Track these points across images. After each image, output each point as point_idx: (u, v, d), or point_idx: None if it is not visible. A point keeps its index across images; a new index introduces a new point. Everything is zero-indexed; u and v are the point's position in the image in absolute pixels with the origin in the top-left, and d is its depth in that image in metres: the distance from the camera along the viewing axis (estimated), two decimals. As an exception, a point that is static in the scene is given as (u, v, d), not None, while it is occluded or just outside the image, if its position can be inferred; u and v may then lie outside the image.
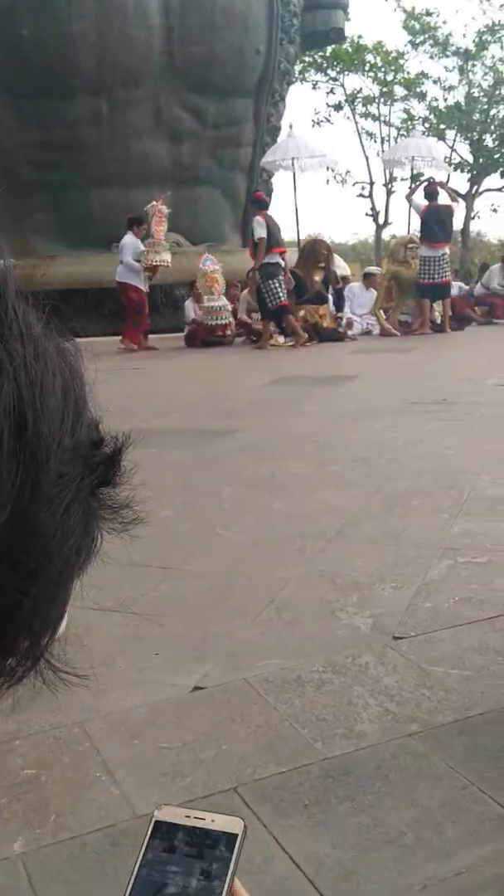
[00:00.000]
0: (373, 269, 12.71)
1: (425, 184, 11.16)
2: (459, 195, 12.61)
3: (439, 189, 10.83)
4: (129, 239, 10.23)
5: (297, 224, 12.71)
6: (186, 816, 0.64)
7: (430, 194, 10.64)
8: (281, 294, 9.41)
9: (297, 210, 12.70)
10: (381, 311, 10.74)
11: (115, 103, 14.25)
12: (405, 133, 25.52)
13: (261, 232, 9.28)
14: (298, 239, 12.32)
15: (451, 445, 3.70)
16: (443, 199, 10.78)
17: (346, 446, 3.81)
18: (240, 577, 2.23)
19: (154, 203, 10.21)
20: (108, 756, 1.42)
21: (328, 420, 4.58)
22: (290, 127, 13.74)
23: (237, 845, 0.62)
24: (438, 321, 10.70)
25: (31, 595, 0.35)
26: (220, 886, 0.60)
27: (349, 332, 10.40)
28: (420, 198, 10.79)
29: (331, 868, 1.14)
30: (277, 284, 9.39)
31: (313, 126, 29.21)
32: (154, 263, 9.99)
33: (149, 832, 0.64)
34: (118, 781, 1.35)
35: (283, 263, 9.55)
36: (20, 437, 0.32)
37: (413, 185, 11.41)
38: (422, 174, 24.10)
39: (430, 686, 1.62)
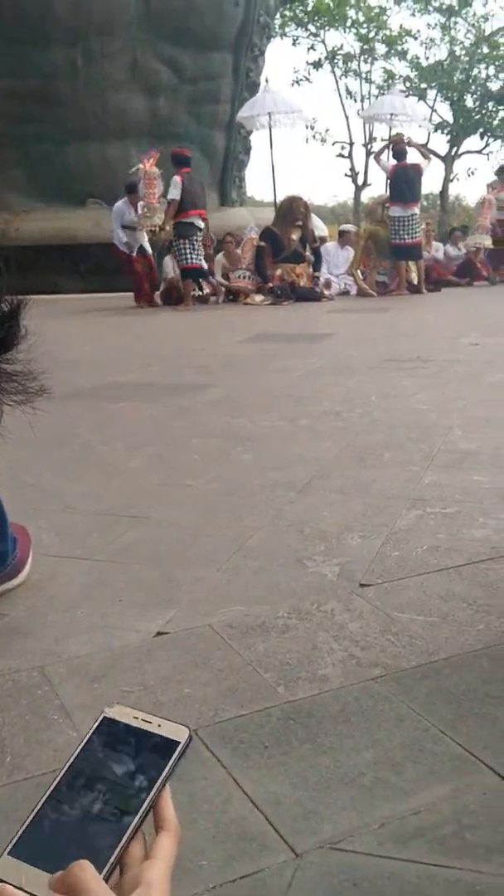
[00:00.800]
0: (347, 226, 12.60)
1: (393, 143, 11.01)
2: (432, 153, 12.32)
3: (408, 147, 10.69)
4: (118, 205, 10.07)
5: (274, 181, 12.55)
6: (135, 717, 0.64)
7: (399, 153, 10.51)
8: (190, 256, 9.25)
9: (273, 167, 12.53)
10: (358, 272, 10.68)
11: (90, 54, 13.91)
12: (386, 91, 25.15)
13: (174, 193, 9.05)
14: (275, 198, 12.17)
15: (424, 401, 3.69)
16: (413, 158, 10.65)
17: (320, 401, 3.78)
18: (207, 526, 2.21)
19: (140, 166, 9.91)
20: (67, 699, 1.40)
21: (302, 376, 4.54)
22: (266, 81, 13.49)
23: (177, 752, 0.62)
24: (414, 282, 10.66)
25: None
26: (150, 787, 0.60)
27: (326, 292, 10.33)
28: (388, 157, 10.65)
29: (289, 808, 1.13)
30: (188, 245, 9.18)
31: (293, 85, 28.74)
32: (148, 228, 9.78)
33: (95, 725, 0.63)
34: (76, 724, 1.33)
35: (200, 225, 9.30)
36: None
37: (382, 146, 11.18)
38: (401, 134, 23.90)
39: (395, 632, 1.61)
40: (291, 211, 10.11)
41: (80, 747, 0.62)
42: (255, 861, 1.04)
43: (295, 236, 10.10)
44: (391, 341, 5.99)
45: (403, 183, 10.25)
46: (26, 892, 0.54)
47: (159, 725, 0.63)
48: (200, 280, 10.24)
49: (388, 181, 10.47)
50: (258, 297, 9.89)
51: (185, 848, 1.07)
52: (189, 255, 9.32)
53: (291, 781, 1.19)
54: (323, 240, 11.81)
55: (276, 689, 1.42)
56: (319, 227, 12.47)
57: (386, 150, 10.84)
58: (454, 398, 3.74)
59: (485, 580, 1.83)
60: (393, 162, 10.43)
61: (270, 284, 10.00)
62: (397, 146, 10.69)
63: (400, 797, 1.14)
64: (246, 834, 1.09)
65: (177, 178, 9.10)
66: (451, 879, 1.00)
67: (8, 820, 1.12)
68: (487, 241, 11.65)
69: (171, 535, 2.15)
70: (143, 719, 0.63)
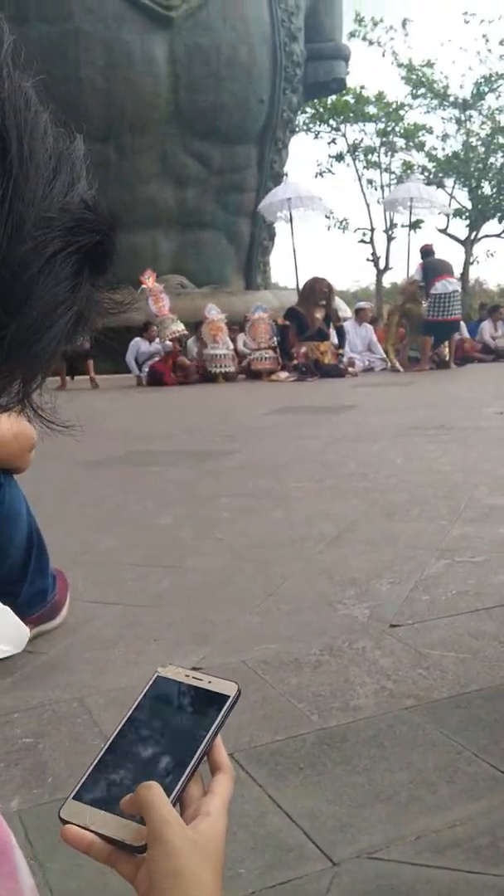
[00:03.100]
0: (363, 303, 12.90)
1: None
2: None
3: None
4: (135, 340, 10.83)
5: (296, 266, 12.93)
6: (186, 675, 0.69)
7: (425, 253, 10.96)
8: None
9: (294, 251, 12.94)
10: (392, 347, 10.90)
11: (122, 149, 14.56)
12: (405, 179, 25.96)
13: None
14: (297, 282, 12.49)
15: (449, 463, 3.74)
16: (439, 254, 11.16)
17: (346, 464, 3.84)
18: (239, 574, 2.25)
19: (143, 286, 10.63)
20: (106, 726, 1.43)
21: (327, 442, 4.62)
22: (286, 175, 14.11)
23: (227, 703, 0.66)
24: (446, 358, 10.87)
25: (11, 330, 0.36)
26: (202, 737, 0.64)
27: (351, 369, 10.51)
28: (418, 272, 11.00)
29: (325, 821, 1.15)
30: None
31: (316, 177, 29.75)
32: (170, 337, 10.40)
33: (149, 684, 0.68)
34: (115, 747, 1.35)
35: None
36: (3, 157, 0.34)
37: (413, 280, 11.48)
38: (422, 220, 24.50)
39: (426, 667, 1.63)
40: (315, 291, 10.40)
41: (137, 702, 0.66)
42: (294, 869, 1.05)
43: (319, 315, 10.35)
44: (415, 411, 6.07)
45: (437, 266, 10.64)
46: (92, 831, 0.58)
47: (209, 682, 0.67)
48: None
49: (424, 283, 10.72)
50: (283, 374, 10.08)
51: (224, 857, 1.10)
52: None
53: (327, 798, 1.20)
54: (346, 320, 12.08)
55: (309, 718, 1.44)
56: (343, 309, 12.78)
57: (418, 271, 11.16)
58: (479, 460, 3.78)
59: (515, 621, 1.85)
60: (419, 262, 10.85)
61: (295, 362, 10.20)
62: (423, 247, 11.15)
63: (435, 812, 1.16)
64: (283, 845, 1.10)
65: None
66: (487, 884, 1.01)
67: (50, 832, 1.15)
68: None
69: (203, 582, 2.19)
70: (194, 677, 0.68)
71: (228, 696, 0.66)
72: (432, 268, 10.69)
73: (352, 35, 27.33)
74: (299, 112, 20.06)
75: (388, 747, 1.34)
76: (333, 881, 1.03)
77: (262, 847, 1.10)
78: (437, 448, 4.17)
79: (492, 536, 2.50)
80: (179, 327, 10.50)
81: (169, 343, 10.58)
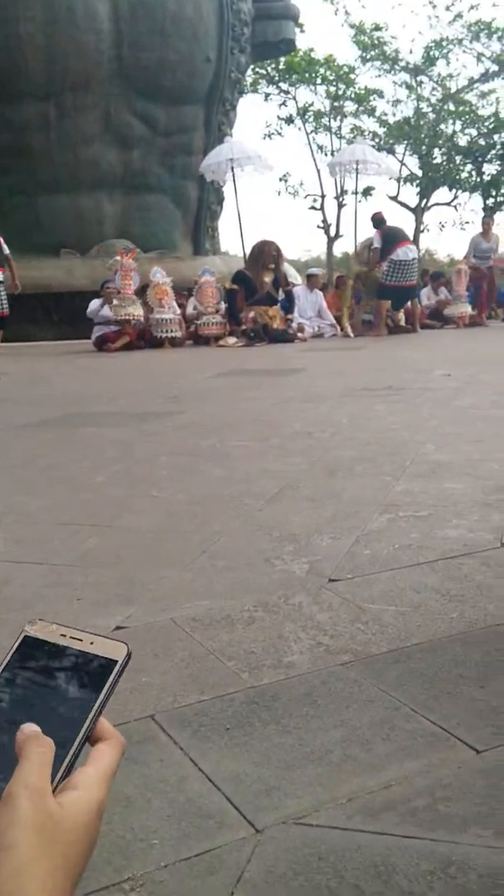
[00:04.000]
0: (315, 270, 12.74)
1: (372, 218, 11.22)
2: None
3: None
4: (94, 303, 10.49)
5: (241, 230, 12.68)
6: (62, 635, 0.55)
7: (377, 221, 10.81)
8: None
9: (239, 214, 12.69)
10: (346, 310, 10.82)
11: (63, 108, 14.08)
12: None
13: None
14: (243, 245, 12.27)
15: (396, 421, 3.66)
16: (391, 221, 11.01)
17: (291, 424, 3.74)
18: (172, 531, 2.14)
19: (118, 258, 10.27)
20: (17, 690, 1.31)
21: (273, 403, 4.51)
22: (231, 136, 13.79)
23: (114, 672, 0.53)
24: (402, 322, 10.83)
25: None
26: (87, 712, 0.51)
27: (300, 335, 10.38)
28: (377, 239, 10.81)
29: (250, 785, 1.05)
30: None
31: (265, 138, 29.27)
32: (123, 318, 10.05)
33: (15, 646, 0.54)
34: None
35: None
36: None
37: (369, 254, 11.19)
38: (372, 187, 24.28)
39: (365, 621, 1.54)
40: (264, 254, 10.20)
41: None
42: (212, 838, 0.96)
43: (268, 279, 10.18)
44: (364, 374, 5.99)
45: (396, 233, 10.55)
46: None
47: (92, 643, 0.54)
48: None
49: (381, 248, 10.55)
50: (231, 340, 9.91)
51: (137, 828, 0.99)
52: None
53: (253, 760, 1.11)
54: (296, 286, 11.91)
55: (239, 676, 1.34)
56: (293, 275, 12.60)
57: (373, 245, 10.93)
58: (426, 419, 3.71)
59: (458, 573, 1.77)
60: (378, 237, 10.68)
61: (244, 327, 10.04)
62: (375, 216, 10.98)
63: (369, 772, 1.07)
64: (202, 812, 1.00)
65: None
66: (424, 851, 0.92)
67: None
68: (468, 308, 12.03)
69: (134, 541, 2.08)
70: (72, 637, 0.54)
71: (116, 661, 0.54)
72: (392, 235, 10.61)
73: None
74: (248, 73, 19.65)
75: (322, 705, 1.24)
76: (255, 850, 0.93)
77: (179, 815, 1.00)
78: (384, 408, 4.10)
79: (437, 492, 2.42)
80: (136, 312, 10.21)
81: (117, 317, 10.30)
